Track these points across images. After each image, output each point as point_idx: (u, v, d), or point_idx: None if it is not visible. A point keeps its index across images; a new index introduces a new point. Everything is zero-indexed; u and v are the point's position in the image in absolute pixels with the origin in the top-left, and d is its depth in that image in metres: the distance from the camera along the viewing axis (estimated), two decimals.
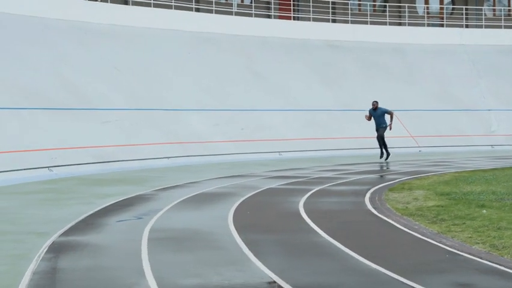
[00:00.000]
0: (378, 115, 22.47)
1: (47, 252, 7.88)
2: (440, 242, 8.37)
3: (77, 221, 10.15)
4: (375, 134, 22.66)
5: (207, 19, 29.61)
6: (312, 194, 13.49)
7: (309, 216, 10.43)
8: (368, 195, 13.16)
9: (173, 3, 28.81)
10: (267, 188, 14.58)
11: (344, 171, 18.77)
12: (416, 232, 9.08)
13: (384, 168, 20.15)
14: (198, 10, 30.43)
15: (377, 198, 12.71)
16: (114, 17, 26.84)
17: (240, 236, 8.76)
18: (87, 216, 10.60)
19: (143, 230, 9.24)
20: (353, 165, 21.07)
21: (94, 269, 7.11)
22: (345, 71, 30.88)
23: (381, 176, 17.54)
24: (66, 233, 9.13)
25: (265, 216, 10.73)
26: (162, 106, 24.59)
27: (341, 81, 30.29)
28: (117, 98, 23.75)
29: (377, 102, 22.65)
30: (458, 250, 7.91)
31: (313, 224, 9.69)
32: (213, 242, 8.53)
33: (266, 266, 7.06)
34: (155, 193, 13.85)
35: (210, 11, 30.28)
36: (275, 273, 6.76)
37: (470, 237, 8.62)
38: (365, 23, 33.42)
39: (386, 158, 22.46)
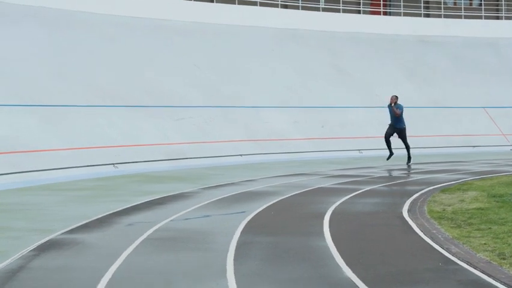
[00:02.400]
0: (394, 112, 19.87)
1: (32, 250, 7.78)
2: (445, 249, 7.76)
3: (92, 219, 10.05)
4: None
5: (293, 15, 29.26)
6: (357, 194, 12.96)
7: (330, 219, 9.96)
8: (415, 196, 12.51)
9: (258, 0, 28.58)
10: (317, 188, 14.13)
11: (414, 171, 18.06)
12: (428, 237, 8.47)
13: (458, 167, 19.23)
14: (285, 7, 30.08)
15: (422, 199, 12.05)
16: (198, 15, 26.85)
17: (238, 238, 8.41)
18: (107, 215, 10.48)
19: (147, 230, 9.01)
20: (430, 164, 20.28)
21: (62, 268, 6.94)
22: (435, 67, 29.84)
23: (448, 176, 16.71)
24: (70, 231, 9.02)
25: (285, 218, 10.32)
26: (240, 103, 24.41)
27: (430, 77, 29.29)
28: (194, 96, 23.73)
29: (396, 97, 19.73)
30: (457, 258, 7.30)
31: (327, 227, 9.21)
32: (205, 243, 8.22)
33: (234, 271, 6.69)
34: (200, 191, 13.65)
35: (297, 7, 29.88)
36: (236, 279, 6.38)
37: (484, 243, 7.96)
38: (459, 17, 32.21)
39: (388, 159, 19.95)
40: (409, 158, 19.93)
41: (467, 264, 7.04)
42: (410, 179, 15.76)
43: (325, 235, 8.62)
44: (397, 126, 19.61)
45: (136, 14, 25.10)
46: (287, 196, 12.74)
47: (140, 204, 11.77)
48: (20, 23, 21.48)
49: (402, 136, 19.79)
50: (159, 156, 20.12)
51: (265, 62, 26.75)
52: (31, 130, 18.19)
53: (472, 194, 12.60)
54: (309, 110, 25.62)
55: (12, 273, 6.70)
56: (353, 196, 12.66)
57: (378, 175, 16.90)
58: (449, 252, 7.59)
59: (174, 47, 25.17)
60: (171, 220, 9.91)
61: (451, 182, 14.79)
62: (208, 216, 10.48)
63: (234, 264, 7.01)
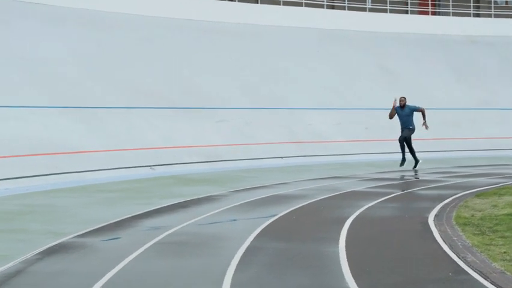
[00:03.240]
0: (405, 114, 18.63)
1: (38, 253, 7.70)
2: (461, 258, 7.44)
3: (110, 222, 9.95)
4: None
5: (339, 16, 28.92)
6: (388, 198, 12.64)
7: (351, 224, 9.68)
8: (447, 200, 12.13)
9: (303, 1, 28.32)
10: (349, 191, 13.84)
11: (454, 174, 17.59)
12: (447, 245, 8.15)
13: (500, 171, 18.67)
14: (331, 7, 29.75)
15: (453, 204, 11.67)
16: (243, 16, 26.71)
17: (249, 244, 8.20)
18: (127, 218, 10.37)
19: (160, 235, 8.86)
20: (472, 167, 19.76)
21: (59, 273, 6.83)
22: (484, 67, 29.15)
23: (488, 180, 16.22)
24: (83, 235, 8.92)
25: (306, 222, 10.07)
26: (282, 105, 24.18)
27: (479, 78, 28.62)
28: (235, 97, 23.59)
29: (405, 98, 18.69)
30: (471, 268, 6.98)
31: (344, 233, 8.95)
32: (213, 248, 8.04)
33: (231, 279, 6.49)
34: (228, 194, 13.49)
35: (343, 8, 29.54)
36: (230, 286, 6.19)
37: (504, 252, 7.62)
38: (511, 16, 31.43)
39: (415, 166, 18.57)
40: (416, 162, 18.66)
41: (479, 274, 6.72)
42: (447, 183, 15.33)
43: (339, 241, 8.36)
44: (410, 127, 18.50)
45: (177, 15, 25.05)
46: (316, 200, 12.49)
47: (164, 207, 11.65)
48: (60, 25, 21.60)
49: (408, 137, 18.60)
50: (197, 158, 20.02)
51: (309, 63, 26.47)
52: (69, 132, 18.24)
53: (507, 199, 12.16)
54: (352, 112, 25.26)
55: (8, 277, 6.61)
56: (384, 200, 12.34)
57: (416, 178, 16.50)
58: (464, 261, 7.27)
59: (216, 48, 25.05)
60: (188, 224, 9.75)
61: (489, 187, 14.34)
62: (229, 220, 10.29)
63: (234, 272, 6.81)
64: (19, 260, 7.34)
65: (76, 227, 9.46)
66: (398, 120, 18.81)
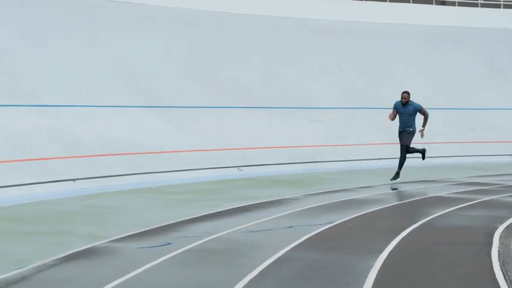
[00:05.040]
0: (408, 113, 15.62)
1: (59, 258, 7.43)
2: (507, 279, 6.66)
3: (159, 225, 9.62)
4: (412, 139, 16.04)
5: (448, 12, 27.72)
6: (468, 205, 11.80)
7: (407, 234, 8.97)
8: None
9: None
10: (430, 196, 13.06)
11: None
12: (500, 262, 7.35)
13: None
14: (442, 3, 28.59)
15: None
16: (345, 13, 26.00)
17: (283, 254, 7.65)
18: (178, 221, 10.02)
19: (198, 241, 8.44)
20: None
21: (65, 281, 6.53)
22: None
23: None
24: (119, 239, 8.61)
25: (360, 231, 9.42)
26: (382, 104, 23.27)
27: None
28: (333, 97, 22.96)
29: (408, 93, 15.76)
30: None
31: (393, 244, 8.24)
32: (242, 257, 7.55)
33: None
34: (302, 198, 12.96)
35: (453, 4, 28.31)
36: None
37: None
38: None
39: (394, 178, 15.59)
40: (397, 173, 15.66)
41: None
42: None
43: (382, 254, 7.67)
44: (406, 129, 15.67)
45: (273, 13, 24.63)
46: (388, 205, 11.80)
47: (225, 210, 11.24)
48: (152, 24, 21.56)
49: (405, 139, 15.81)
50: (289, 159, 19.54)
51: (413, 61, 25.48)
52: (155, 131, 18.13)
53: None
54: (458, 112, 24.13)
55: (6, 285, 6.34)
56: (461, 207, 11.50)
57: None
58: (509, 282, 6.48)
59: (314, 46, 24.47)
60: (236, 230, 9.28)
61: None
62: (282, 227, 9.77)
63: (247, 284, 6.30)
64: (34, 265, 7.08)
65: (120, 230, 9.18)
66: (398, 119, 15.92)
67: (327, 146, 20.85)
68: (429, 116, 15.91)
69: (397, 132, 16.10)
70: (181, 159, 17.66)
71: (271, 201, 12.46)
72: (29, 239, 8.69)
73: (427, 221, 10.07)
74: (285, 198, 12.79)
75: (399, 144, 16.10)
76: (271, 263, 7.19)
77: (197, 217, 10.46)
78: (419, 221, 10.02)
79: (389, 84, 24.26)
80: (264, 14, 24.25)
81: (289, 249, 7.88)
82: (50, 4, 19.15)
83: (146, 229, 9.32)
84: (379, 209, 11.32)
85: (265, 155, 19.33)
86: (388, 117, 16.08)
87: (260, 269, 6.90)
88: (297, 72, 23.19)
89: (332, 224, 9.77)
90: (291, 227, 9.78)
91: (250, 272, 6.78)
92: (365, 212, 11.00)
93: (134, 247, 8.15)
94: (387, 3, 27.05)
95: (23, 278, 6.60)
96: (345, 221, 10.11)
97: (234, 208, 11.48)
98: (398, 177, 15.55)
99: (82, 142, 16.29)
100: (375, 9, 26.59)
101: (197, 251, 7.94)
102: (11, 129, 15.44)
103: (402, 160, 15.86)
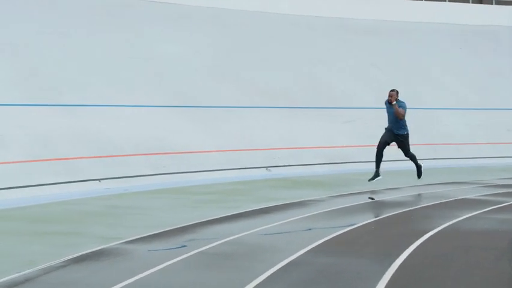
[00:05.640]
0: (394, 112, 14.58)
1: (67, 260, 7.33)
2: None
3: (176, 227, 9.50)
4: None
5: (486, 10, 27.28)
6: (496, 208, 11.49)
7: (428, 238, 8.72)
8: None
9: None
10: (457, 199, 12.73)
11: None
12: None
13: None
14: (479, 2, 28.15)
15: None
16: (381, 12, 25.71)
17: (295, 257, 7.46)
18: (195, 223, 9.87)
19: (212, 243, 8.28)
20: None
21: (67, 284, 6.39)
22: None
23: None
24: (134, 240, 8.50)
25: (379, 234, 9.18)
26: (416, 104, 22.93)
27: None
28: (367, 96, 22.65)
29: (395, 91, 14.58)
30: None
31: (412, 249, 8.00)
32: (252, 261, 7.38)
33: None
34: (326, 199, 12.74)
35: (490, 2, 27.85)
36: None
37: None
38: None
39: (419, 175, 15.03)
40: (419, 171, 15.02)
41: None
42: None
43: (398, 259, 7.44)
44: (398, 133, 14.62)
45: (311, 13, 24.44)
46: (413, 208, 11.53)
47: (246, 212, 11.08)
48: (185, 23, 21.51)
49: (404, 145, 14.77)
50: (319, 160, 19.29)
51: (449, 60, 25.11)
52: (184, 131, 18.01)
53: None
54: (494, 112, 23.66)
55: (9, 286, 6.25)
56: (488, 210, 11.19)
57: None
58: None
59: (349, 45, 24.24)
60: (252, 232, 9.11)
61: None
62: (301, 229, 9.56)
63: None
64: (41, 266, 6.99)
65: (135, 231, 9.06)
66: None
67: (358, 146, 20.56)
68: (402, 116, 14.44)
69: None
70: (208, 159, 17.52)
71: (294, 202, 12.28)
72: (42, 239, 8.62)
73: (451, 224, 9.80)
74: (309, 200, 12.59)
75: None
76: (282, 267, 7.00)
77: (216, 218, 10.31)
78: (443, 224, 9.75)
79: (425, 84, 23.98)
80: (299, 14, 24.10)
81: (303, 253, 7.68)
82: (80, 3, 19.19)
83: (162, 230, 9.20)
84: (403, 212, 11.07)
85: (294, 156, 19.12)
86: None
87: (268, 274, 6.72)
88: (331, 71, 22.97)
89: (353, 227, 9.56)
90: (309, 229, 9.58)
91: (258, 276, 6.61)
92: (389, 214, 10.77)
93: (145, 249, 8.03)
94: (424, 2, 26.77)
95: (26, 280, 6.50)
96: (366, 223, 9.89)
97: (255, 210, 11.31)
98: (378, 176, 14.60)
99: (108, 142, 16.24)
100: (411, 8, 26.35)
101: (210, 253, 7.79)
102: (38, 128, 15.44)
103: (412, 157, 14.99)
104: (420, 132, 21.97)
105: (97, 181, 14.57)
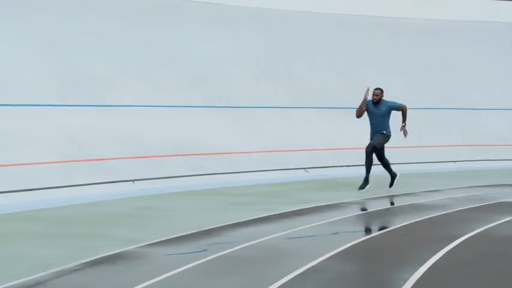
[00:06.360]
0: (380, 113, 13.44)
1: (82, 263, 7.20)
2: None
3: (202, 229, 9.32)
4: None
5: None
6: None
7: (459, 244, 8.38)
8: None
9: None
10: (498, 202, 12.35)
11: None
12: None
13: None
14: None
15: None
16: (429, 11, 25.22)
17: (315, 264, 7.21)
18: (223, 225, 9.68)
19: (235, 247, 8.08)
20: None
21: (81, 287, 6.26)
22: None
23: None
24: (156, 243, 8.34)
25: (408, 239, 8.86)
26: (458, 104, 22.51)
27: None
28: (406, 97, 22.09)
29: (380, 90, 13.62)
30: None
31: (440, 255, 7.68)
32: (271, 267, 7.13)
33: None
34: (361, 202, 12.49)
35: None
36: None
37: None
38: None
39: (391, 184, 13.92)
40: (393, 178, 13.96)
41: None
42: None
43: (423, 266, 7.14)
44: (383, 132, 13.51)
45: (355, 12, 24.07)
46: (450, 211, 11.16)
47: (278, 214, 10.86)
48: (227, 24, 21.34)
49: (382, 146, 13.71)
50: (359, 161, 18.89)
51: (492, 59, 24.49)
52: (222, 132, 17.84)
53: None
54: None
55: None
56: None
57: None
58: None
59: (392, 45, 23.79)
60: (278, 236, 8.87)
61: None
62: (328, 233, 9.31)
63: None
64: (54, 270, 6.87)
65: (158, 234, 8.91)
66: (369, 120, 13.79)
67: (400, 147, 20.16)
68: (407, 109, 13.59)
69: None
70: (247, 160, 17.34)
71: (329, 205, 12.01)
72: (61, 242, 8.50)
73: (486, 229, 9.43)
74: (345, 202, 12.31)
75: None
76: (299, 274, 6.76)
77: (245, 221, 10.12)
78: (477, 228, 9.40)
79: (473, 84, 23.44)
80: (344, 13, 23.75)
81: (324, 259, 7.43)
82: (118, 3, 19.17)
83: (186, 233, 9.02)
84: (438, 215, 10.72)
85: (334, 157, 18.83)
86: (356, 110, 13.70)
87: (285, 280, 6.49)
88: (376, 71, 22.56)
89: (382, 231, 9.29)
90: (337, 233, 9.32)
91: (273, 283, 6.38)
92: (422, 218, 10.43)
93: (164, 253, 7.86)
94: (471, 0, 26.16)
95: (37, 284, 6.39)
96: (397, 228, 9.59)
97: (287, 212, 11.08)
98: (367, 183, 13.52)
99: (145, 142, 16.16)
100: (460, 7, 25.78)
101: (229, 258, 7.58)
102: (74, 129, 15.41)
103: (386, 165, 13.91)
104: (469, 133, 21.54)
105: (131, 182, 14.50)
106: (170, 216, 10.74)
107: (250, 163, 17.18)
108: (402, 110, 13.53)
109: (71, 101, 16.05)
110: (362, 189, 13.44)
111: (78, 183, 13.65)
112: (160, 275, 6.66)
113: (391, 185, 13.86)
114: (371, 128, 13.60)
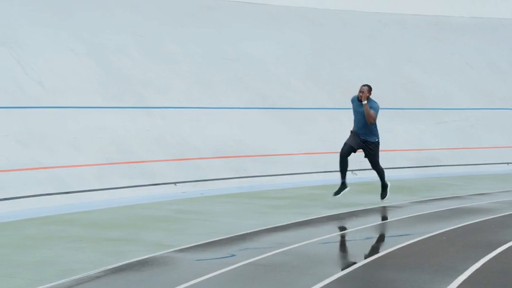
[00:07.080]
0: (363, 113, 11.98)
1: (111, 269, 7.02)
2: None
3: (236, 234, 9.10)
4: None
5: None
6: None
7: (505, 250, 7.98)
8: None
9: None
10: None
11: None
12: None
13: None
14: None
15: None
16: (477, 9, 24.62)
17: (345, 272, 6.91)
18: (258, 230, 9.44)
19: (267, 253, 7.81)
20: None
21: None
22: None
23: None
24: (186, 249, 8.13)
25: (450, 245, 8.47)
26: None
27: None
28: (462, 97, 21.70)
29: (368, 87, 12.04)
30: None
31: (481, 263, 7.32)
32: (298, 274, 6.86)
33: None
34: (407, 205, 12.11)
35: None
36: None
37: None
38: None
39: (383, 195, 12.50)
40: (385, 191, 12.53)
41: None
42: None
43: (462, 275, 6.79)
44: (368, 139, 12.10)
45: (402, 11, 23.61)
46: (497, 216, 10.74)
47: (315, 218, 10.57)
48: (274, 24, 21.07)
49: (373, 155, 12.34)
50: (408, 163, 18.54)
51: None
52: (267, 134, 17.55)
53: None
54: None
55: None
56: None
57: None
58: None
59: (441, 44, 23.26)
60: (312, 242, 8.58)
61: None
62: (363, 238, 9.00)
63: None
64: (78, 276, 6.70)
65: (192, 238, 8.71)
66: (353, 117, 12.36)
67: (449, 149, 19.70)
68: (373, 120, 11.85)
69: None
70: (292, 162, 17.04)
71: (371, 208, 11.70)
72: (91, 246, 8.33)
73: None
74: (388, 206, 11.98)
75: None
76: (328, 283, 6.47)
77: (280, 226, 9.86)
78: None
79: None
80: (390, 12, 23.31)
81: (359, 266, 7.13)
82: (162, 5, 19.06)
83: (218, 238, 8.80)
84: (485, 220, 10.31)
85: (383, 159, 18.37)
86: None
87: None
88: (422, 71, 22.09)
89: (423, 237, 8.91)
90: (374, 239, 8.99)
91: None
92: (468, 222, 10.04)
93: (193, 258, 7.64)
94: None
95: None
96: (439, 233, 9.21)
97: (325, 216, 10.78)
98: (345, 187, 12.27)
99: (190, 145, 15.98)
100: (507, 5, 25.11)
101: (258, 265, 7.32)
102: (118, 132, 15.28)
103: (380, 172, 12.57)
104: None
105: (173, 185, 14.34)
106: (207, 220, 10.51)
107: (294, 165, 16.89)
108: (369, 117, 11.85)
109: (114, 103, 15.95)
110: (337, 194, 12.22)
111: (118, 186, 13.54)
112: (185, 282, 6.44)
113: (384, 196, 12.46)
114: (354, 125, 12.21)
